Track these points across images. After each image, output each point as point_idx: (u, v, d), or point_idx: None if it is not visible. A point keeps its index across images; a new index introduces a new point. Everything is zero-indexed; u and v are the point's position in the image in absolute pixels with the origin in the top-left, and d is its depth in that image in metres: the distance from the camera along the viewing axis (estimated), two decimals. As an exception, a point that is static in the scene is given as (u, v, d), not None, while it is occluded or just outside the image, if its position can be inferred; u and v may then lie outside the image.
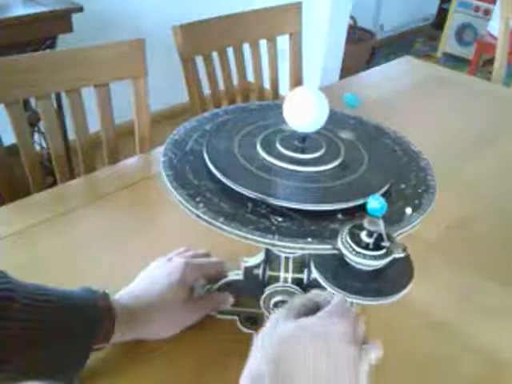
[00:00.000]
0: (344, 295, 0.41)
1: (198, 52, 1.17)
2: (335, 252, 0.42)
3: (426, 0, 3.97)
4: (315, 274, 0.43)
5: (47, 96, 0.94)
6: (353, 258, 0.40)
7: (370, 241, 0.40)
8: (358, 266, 0.41)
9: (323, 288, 0.56)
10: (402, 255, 0.41)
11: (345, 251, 0.40)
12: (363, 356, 0.40)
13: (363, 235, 0.41)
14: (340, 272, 0.42)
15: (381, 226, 0.39)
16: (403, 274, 0.43)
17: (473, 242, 0.78)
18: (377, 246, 0.40)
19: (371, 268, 0.41)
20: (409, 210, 0.43)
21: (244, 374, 0.38)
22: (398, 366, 0.57)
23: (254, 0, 1.70)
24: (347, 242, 0.41)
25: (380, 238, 0.40)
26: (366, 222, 0.40)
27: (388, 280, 0.42)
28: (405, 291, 0.42)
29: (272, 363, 0.37)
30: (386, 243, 0.40)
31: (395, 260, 0.41)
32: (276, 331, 0.40)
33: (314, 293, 0.46)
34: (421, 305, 0.66)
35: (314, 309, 0.43)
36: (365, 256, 0.40)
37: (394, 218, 0.46)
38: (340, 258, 0.42)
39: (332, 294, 0.43)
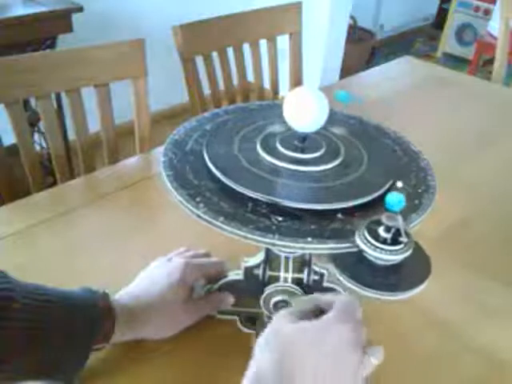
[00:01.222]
0: (362, 290, 0.42)
1: (198, 52, 1.17)
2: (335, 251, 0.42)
3: (426, 0, 3.97)
4: (334, 270, 0.43)
5: (47, 96, 0.94)
6: (372, 253, 0.41)
7: (388, 236, 0.41)
8: (377, 261, 0.41)
9: (323, 290, 0.56)
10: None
11: (364, 246, 0.41)
12: (365, 361, 0.40)
13: (381, 230, 0.41)
14: (358, 268, 0.43)
15: (399, 221, 0.40)
16: (420, 269, 0.43)
17: (473, 242, 0.78)
18: (394, 241, 0.41)
19: (389, 263, 0.41)
20: (399, 184, 0.44)
21: (247, 374, 0.38)
22: (398, 365, 0.57)
23: (254, 0, 1.70)
24: (365, 238, 0.41)
25: (398, 233, 0.41)
26: (384, 218, 0.41)
27: (405, 275, 0.43)
28: (422, 286, 0.42)
29: (275, 364, 0.37)
30: (403, 238, 0.41)
31: (412, 255, 0.41)
32: (279, 333, 0.40)
33: (316, 296, 0.45)
34: (421, 304, 0.66)
35: (316, 312, 0.43)
36: (383, 251, 0.40)
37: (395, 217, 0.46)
38: (358, 254, 0.42)
39: (335, 297, 0.43)
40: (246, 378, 0.38)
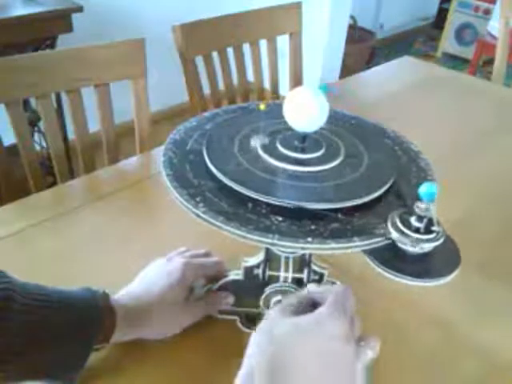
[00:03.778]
0: (395, 276, 0.43)
1: (198, 52, 1.17)
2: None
3: (426, 0, 3.97)
4: (368, 259, 0.44)
5: (47, 96, 0.94)
6: (406, 242, 0.42)
7: (421, 225, 0.42)
8: (410, 250, 0.43)
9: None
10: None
11: (397, 236, 0.42)
12: (360, 354, 0.40)
13: (413, 220, 0.43)
14: (389, 255, 0.44)
15: (432, 211, 0.42)
16: (450, 257, 0.45)
17: (474, 241, 0.78)
18: (427, 230, 0.42)
19: (422, 251, 0.43)
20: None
21: (239, 374, 0.38)
22: (398, 364, 0.57)
23: (254, 0, 1.70)
24: (398, 227, 0.43)
25: (430, 222, 0.42)
26: (416, 207, 0.42)
27: (436, 263, 0.45)
28: (453, 275, 0.44)
29: (268, 362, 0.37)
30: (436, 227, 0.42)
31: (442, 245, 0.43)
32: (272, 329, 0.40)
33: (309, 290, 0.45)
34: (422, 303, 0.66)
35: (310, 306, 0.43)
36: (418, 240, 0.42)
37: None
38: (389, 244, 0.44)
39: (328, 290, 0.43)
40: (239, 377, 0.38)
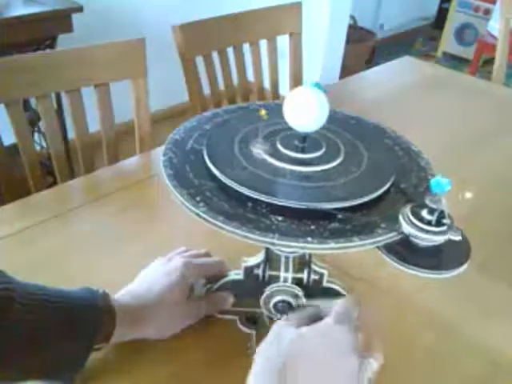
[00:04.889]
0: (406, 268, 0.44)
1: (198, 52, 1.17)
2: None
3: (426, 0, 3.97)
4: (381, 253, 0.45)
5: (47, 96, 0.94)
6: (417, 234, 0.42)
7: (432, 218, 0.43)
8: (422, 242, 0.43)
9: (323, 290, 0.56)
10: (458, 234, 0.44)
11: (409, 228, 0.43)
12: (365, 364, 0.40)
13: (424, 213, 0.43)
14: (401, 248, 0.44)
15: (443, 204, 0.42)
16: (460, 250, 0.46)
17: (475, 240, 0.78)
18: (438, 223, 0.43)
19: (434, 243, 0.43)
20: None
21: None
22: (399, 364, 0.57)
23: (254, 0, 1.70)
24: (411, 220, 0.43)
25: (441, 215, 0.43)
26: (428, 200, 0.43)
27: (446, 256, 0.45)
28: (464, 267, 0.44)
29: (277, 373, 0.37)
30: (447, 220, 0.43)
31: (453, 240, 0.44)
32: (279, 342, 0.40)
33: (315, 307, 0.46)
34: (421, 302, 0.66)
35: (315, 319, 0.43)
36: (430, 232, 0.42)
37: (395, 217, 0.46)
38: (401, 239, 0.44)
39: (334, 305, 0.43)
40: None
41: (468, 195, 0.46)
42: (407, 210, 0.44)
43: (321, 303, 0.48)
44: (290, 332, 0.40)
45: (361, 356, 0.40)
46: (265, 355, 0.40)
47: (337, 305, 0.43)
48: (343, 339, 0.39)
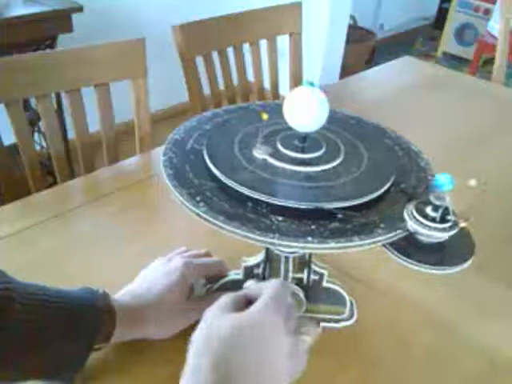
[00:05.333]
0: (411, 265, 0.44)
1: (198, 52, 1.17)
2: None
3: (426, 0, 3.97)
4: (388, 252, 0.45)
5: (47, 96, 0.94)
6: (422, 231, 0.43)
7: (437, 215, 0.43)
8: (427, 239, 0.44)
9: (323, 290, 0.56)
10: (464, 225, 0.44)
11: (414, 225, 0.43)
12: (299, 342, 0.41)
13: (429, 210, 0.43)
14: (405, 245, 0.45)
15: (447, 201, 0.43)
16: (464, 247, 0.46)
17: (475, 241, 0.78)
18: (442, 220, 0.43)
19: (438, 240, 0.44)
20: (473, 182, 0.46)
21: (185, 372, 0.38)
22: (398, 364, 0.57)
23: (254, 0, 1.70)
24: (415, 217, 0.43)
25: (445, 211, 0.43)
26: (432, 197, 0.43)
27: (450, 252, 0.46)
28: (468, 263, 0.45)
29: (214, 370, 0.37)
30: (451, 216, 0.43)
31: (457, 235, 0.44)
32: (213, 336, 0.39)
33: (246, 288, 0.46)
34: (421, 302, 0.66)
35: (247, 304, 0.43)
36: (433, 228, 0.43)
37: (395, 216, 0.46)
38: (406, 236, 0.45)
39: (265, 286, 0.43)
40: (184, 378, 0.37)
41: (472, 183, 0.46)
42: (412, 207, 0.45)
43: (249, 287, 0.48)
44: (224, 326, 0.39)
45: (296, 335, 0.41)
46: (196, 352, 0.39)
47: (266, 289, 0.42)
48: (278, 324, 0.40)
